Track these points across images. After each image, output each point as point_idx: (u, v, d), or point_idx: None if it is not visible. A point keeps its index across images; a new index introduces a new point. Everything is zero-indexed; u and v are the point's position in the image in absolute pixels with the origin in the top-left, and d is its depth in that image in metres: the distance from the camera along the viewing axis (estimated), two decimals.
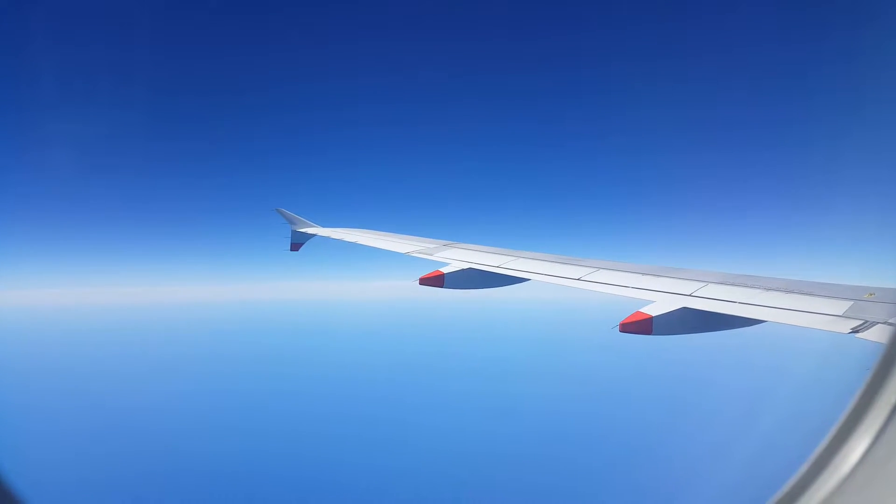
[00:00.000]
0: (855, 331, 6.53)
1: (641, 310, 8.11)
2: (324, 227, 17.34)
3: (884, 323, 6.46)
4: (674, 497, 41.47)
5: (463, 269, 11.29)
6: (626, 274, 9.82)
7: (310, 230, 17.16)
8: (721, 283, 8.74)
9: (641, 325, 7.94)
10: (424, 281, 11.15)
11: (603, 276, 9.89)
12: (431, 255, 12.49)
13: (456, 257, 11.98)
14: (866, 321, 6.65)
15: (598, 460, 47.59)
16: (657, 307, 8.13)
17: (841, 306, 7.22)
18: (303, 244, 17.36)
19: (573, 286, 9.76)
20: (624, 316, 8.04)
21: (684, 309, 8.10)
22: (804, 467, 3.34)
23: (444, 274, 11.16)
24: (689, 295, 8.48)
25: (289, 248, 17.47)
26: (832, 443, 3.28)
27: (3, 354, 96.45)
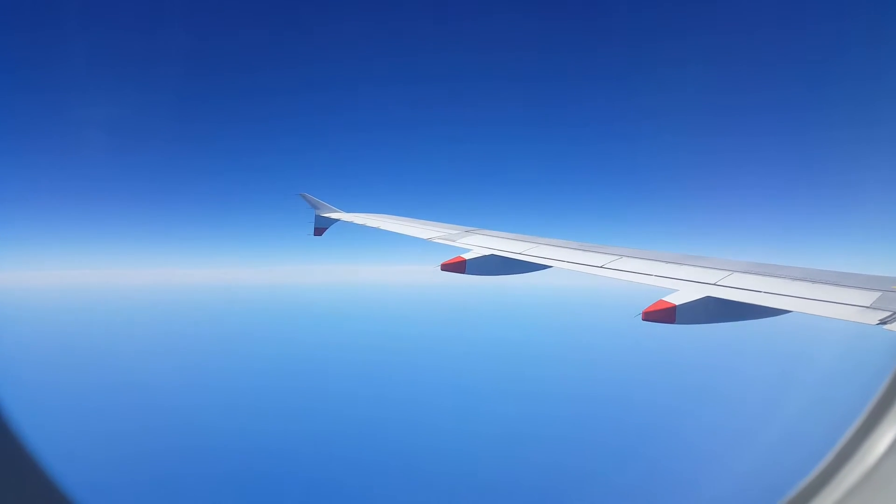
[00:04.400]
0: (883, 322, 6.41)
1: (665, 298, 8.03)
2: (347, 212, 17.38)
3: None
4: (695, 486, 41.33)
5: (485, 256, 11.25)
6: (650, 262, 9.72)
7: (333, 215, 17.22)
8: (746, 273, 8.62)
9: (665, 314, 7.86)
10: (446, 267, 11.13)
11: (626, 263, 9.81)
12: (453, 241, 12.47)
13: (478, 243, 11.94)
14: (894, 312, 6.53)
15: (618, 447, 47.51)
16: (681, 296, 8.04)
17: (868, 297, 7.10)
18: (326, 229, 17.43)
19: (595, 273, 9.68)
20: (647, 304, 7.97)
21: (708, 298, 8.01)
22: (826, 460, 3.29)
23: (465, 260, 11.13)
24: (714, 284, 8.37)
25: (312, 232, 17.54)
26: (856, 436, 3.22)
27: (16, 335, 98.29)
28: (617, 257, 10.08)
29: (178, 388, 65.13)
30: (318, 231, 17.48)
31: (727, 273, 8.66)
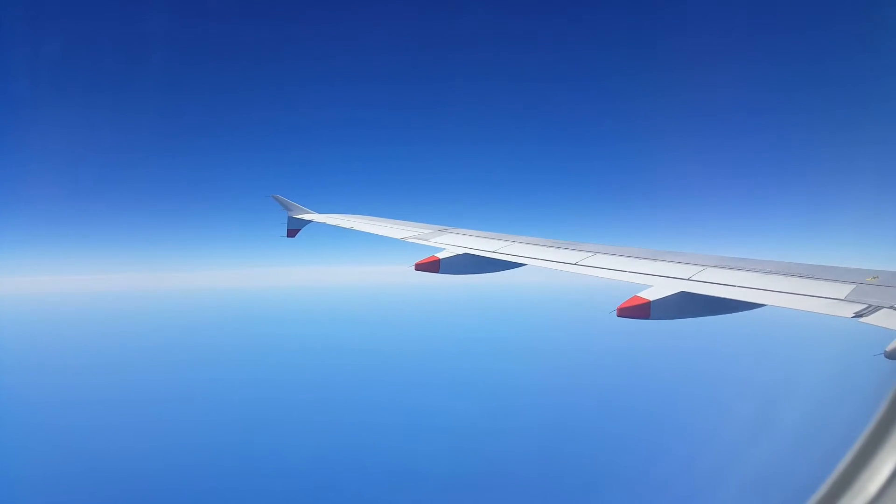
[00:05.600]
0: (858, 315, 6.40)
1: (639, 294, 7.99)
2: (320, 213, 17.23)
3: (888, 307, 6.33)
4: (670, 481, 41.64)
5: (458, 255, 11.18)
6: (624, 258, 9.70)
7: (306, 216, 17.05)
8: (719, 267, 8.62)
9: (639, 310, 7.83)
10: (420, 266, 11.04)
11: (600, 260, 9.77)
12: (427, 240, 12.38)
13: (451, 242, 11.86)
14: (869, 305, 6.52)
15: (596, 445, 47.77)
16: (655, 291, 8.01)
17: (843, 290, 7.10)
18: (299, 230, 17.27)
19: (570, 271, 9.63)
20: (621, 300, 7.93)
21: (682, 293, 7.98)
22: (824, 488, 3.17)
23: (439, 259, 11.05)
24: (688, 279, 8.36)
25: (285, 234, 17.37)
26: (854, 463, 3.12)
27: (3, 342, 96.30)
28: (591, 254, 10.05)
29: (156, 395, 64.19)
30: (291, 233, 17.31)
31: (701, 268, 8.65)
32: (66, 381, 69.78)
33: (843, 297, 6.90)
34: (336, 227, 15.72)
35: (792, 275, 7.87)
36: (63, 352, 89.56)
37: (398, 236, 13.24)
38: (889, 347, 5.70)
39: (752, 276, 8.11)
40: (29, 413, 57.18)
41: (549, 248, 10.79)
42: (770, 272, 8.12)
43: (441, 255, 11.13)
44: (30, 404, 60.15)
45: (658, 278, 8.55)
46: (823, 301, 6.97)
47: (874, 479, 3.00)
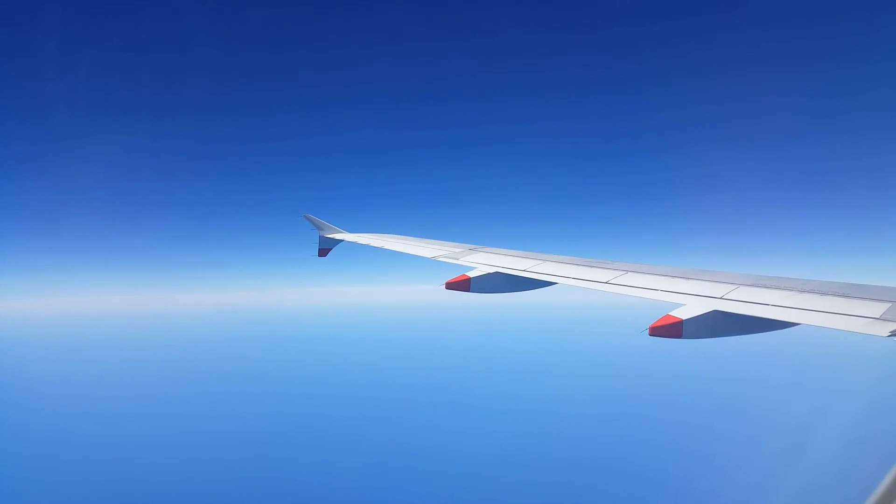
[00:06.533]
0: (894, 333, 6.32)
1: (671, 313, 7.95)
2: (351, 232, 17.37)
3: None
4: (707, 501, 40.91)
5: (489, 273, 11.20)
6: (655, 277, 9.65)
7: (337, 236, 17.21)
8: (753, 286, 8.55)
9: (672, 329, 7.78)
10: (451, 285, 11.07)
11: (631, 279, 9.73)
12: (457, 259, 12.42)
13: (482, 261, 11.90)
14: None
15: (629, 463, 47.11)
16: (687, 310, 7.97)
17: (878, 308, 7.00)
18: (330, 250, 17.41)
19: (601, 289, 9.61)
20: (653, 319, 7.90)
21: (715, 312, 7.93)
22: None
23: (470, 278, 11.08)
24: (721, 297, 8.29)
25: (317, 254, 17.52)
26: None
27: (34, 360, 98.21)
28: (622, 273, 10.02)
29: (186, 411, 64.92)
30: (323, 252, 17.46)
31: (734, 287, 8.58)
32: (106, 393, 71.14)
33: (878, 316, 6.81)
34: (367, 247, 15.82)
35: (826, 293, 7.78)
36: (102, 365, 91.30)
37: (429, 255, 13.27)
38: None
39: (785, 295, 8.02)
40: (70, 423, 58.20)
41: (580, 267, 10.77)
42: (804, 291, 8.04)
43: (472, 274, 11.17)
44: (72, 415, 61.24)
45: (690, 297, 8.50)
46: (859, 320, 6.88)
47: None
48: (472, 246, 13.34)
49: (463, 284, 11.03)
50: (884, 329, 6.48)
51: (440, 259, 12.78)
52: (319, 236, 17.46)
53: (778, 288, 8.34)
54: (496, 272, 11.20)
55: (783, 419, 51.11)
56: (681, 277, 9.41)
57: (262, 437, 55.31)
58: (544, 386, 73.74)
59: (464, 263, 12.02)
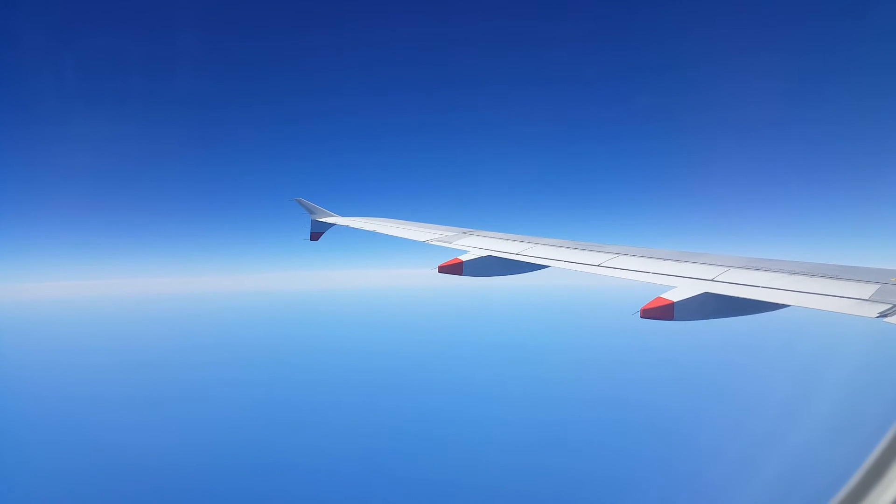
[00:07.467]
0: (883, 315, 6.37)
1: (662, 295, 7.99)
2: (343, 216, 17.34)
3: None
4: (698, 484, 41.30)
5: (482, 257, 11.22)
6: (647, 259, 9.70)
7: (329, 220, 17.19)
8: (743, 268, 8.60)
9: (663, 311, 7.83)
10: (443, 269, 11.09)
11: (623, 261, 9.78)
12: (450, 242, 12.43)
13: (475, 245, 11.91)
14: (894, 305, 6.49)
15: (621, 446, 47.47)
16: (678, 292, 8.02)
17: (867, 290, 7.06)
18: (322, 233, 17.40)
19: (593, 272, 9.65)
20: (645, 302, 7.95)
21: (706, 294, 7.98)
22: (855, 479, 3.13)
23: (462, 262, 11.10)
24: (711, 280, 8.35)
25: (308, 237, 17.51)
26: (889, 450, 3.07)
27: (40, 344, 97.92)
28: (614, 256, 10.06)
29: (179, 395, 64.91)
30: (315, 236, 17.45)
31: (724, 269, 8.64)
32: (98, 378, 70.98)
33: (867, 298, 6.87)
34: (359, 230, 15.80)
35: (815, 275, 7.84)
36: (98, 351, 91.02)
37: (421, 239, 13.27)
38: None
39: (775, 277, 8.08)
40: (66, 412, 58.14)
41: (572, 250, 10.80)
42: (794, 273, 8.10)
43: (464, 258, 11.19)
44: (67, 401, 61.17)
45: (681, 279, 8.55)
46: (848, 301, 6.95)
47: None
48: (465, 229, 13.35)
49: (456, 268, 11.05)
50: (872, 310, 6.55)
51: (433, 243, 12.78)
52: (311, 220, 17.44)
53: (768, 270, 8.39)
54: (489, 256, 11.22)
55: (772, 400, 51.59)
56: (672, 260, 9.47)
57: (253, 423, 55.43)
58: (537, 369, 74.07)
59: (456, 247, 12.02)
